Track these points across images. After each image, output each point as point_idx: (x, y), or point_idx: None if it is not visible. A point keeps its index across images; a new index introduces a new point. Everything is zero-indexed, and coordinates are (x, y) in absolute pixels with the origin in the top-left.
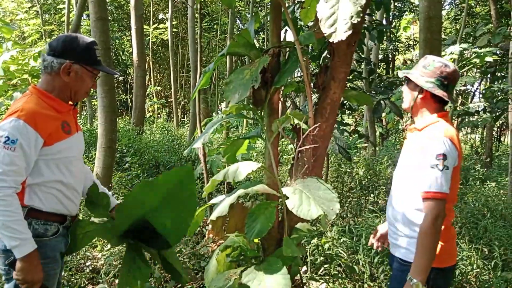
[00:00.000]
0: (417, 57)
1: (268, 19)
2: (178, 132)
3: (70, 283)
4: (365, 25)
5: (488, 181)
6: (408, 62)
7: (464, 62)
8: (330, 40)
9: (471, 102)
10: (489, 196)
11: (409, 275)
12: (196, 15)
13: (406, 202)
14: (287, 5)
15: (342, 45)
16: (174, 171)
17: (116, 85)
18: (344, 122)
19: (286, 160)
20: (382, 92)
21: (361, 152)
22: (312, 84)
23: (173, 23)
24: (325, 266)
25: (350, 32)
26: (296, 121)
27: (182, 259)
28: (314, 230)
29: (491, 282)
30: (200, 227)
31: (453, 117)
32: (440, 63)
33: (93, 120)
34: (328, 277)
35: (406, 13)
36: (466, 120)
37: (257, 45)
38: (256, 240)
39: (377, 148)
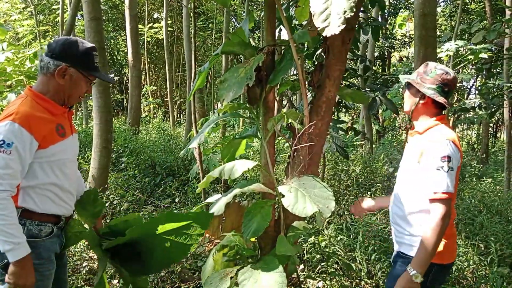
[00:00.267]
0: (412, 55)
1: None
2: (174, 132)
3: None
4: (360, 23)
5: (484, 177)
6: (404, 59)
7: (459, 59)
8: (323, 34)
9: (467, 99)
10: (485, 192)
11: (409, 266)
12: (191, 13)
13: (409, 204)
14: (281, 3)
15: (337, 43)
16: (198, 213)
17: (111, 85)
18: (340, 120)
19: (283, 158)
20: (377, 89)
21: (358, 149)
22: (307, 83)
23: (168, 22)
24: (322, 264)
25: (343, 26)
26: (291, 119)
27: None
28: (310, 228)
29: (488, 278)
30: None
31: (450, 114)
32: (442, 71)
33: (89, 121)
34: (325, 275)
35: (402, 10)
36: (462, 116)
37: (253, 44)
38: (252, 239)
39: (373, 146)
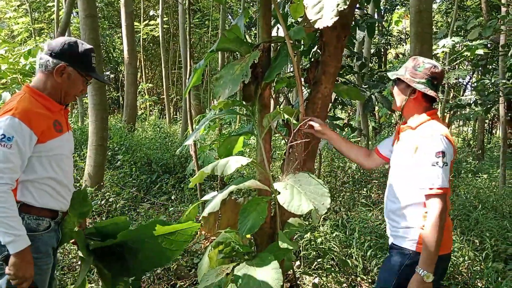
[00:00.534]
0: (408, 51)
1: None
2: (171, 129)
3: (62, 282)
4: (356, 20)
5: (480, 173)
6: (400, 56)
7: (455, 55)
8: (316, 26)
9: (463, 95)
10: (480, 188)
11: (417, 268)
12: (186, 10)
13: (403, 198)
14: (277, 0)
15: (333, 40)
16: (184, 224)
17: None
18: (337, 116)
19: (279, 155)
20: (374, 86)
21: None
22: (303, 79)
23: (164, 19)
24: (318, 260)
25: (336, 18)
26: (286, 116)
27: None
28: (306, 225)
29: (482, 273)
30: None
31: (445, 110)
32: (430, 64)
33: (84, 118)
34: (321, 271)
35: (398, 7)
36: (458, 113)
37: (250, 41)
38: (248, 236)
39: (370, 142)
